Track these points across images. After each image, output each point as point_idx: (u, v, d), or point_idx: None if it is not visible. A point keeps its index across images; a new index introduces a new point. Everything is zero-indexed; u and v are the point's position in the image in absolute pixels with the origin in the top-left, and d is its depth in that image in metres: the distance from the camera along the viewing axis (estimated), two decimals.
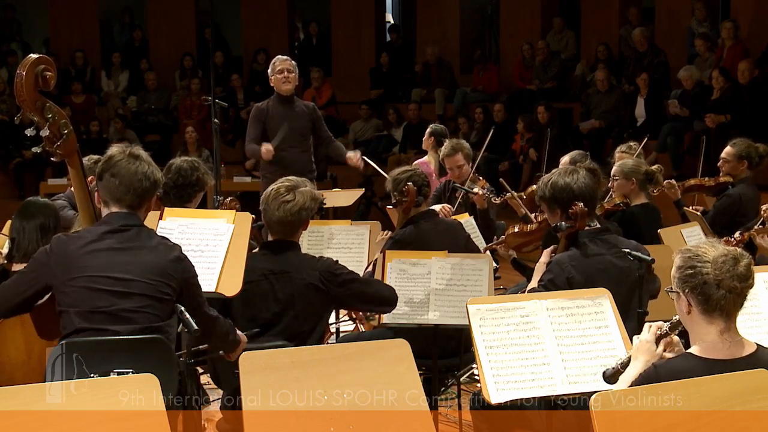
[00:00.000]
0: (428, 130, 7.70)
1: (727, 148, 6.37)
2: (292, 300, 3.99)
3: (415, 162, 7.58)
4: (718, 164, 6.42)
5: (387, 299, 4.12)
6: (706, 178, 6.46)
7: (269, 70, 7.36)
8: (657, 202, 5.94)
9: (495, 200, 6.38)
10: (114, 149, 3.51)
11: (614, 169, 5.77)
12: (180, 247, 3.52)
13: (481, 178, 6.70)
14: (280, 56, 7.47)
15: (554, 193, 3.93)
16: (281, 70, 7.23)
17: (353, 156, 7.35)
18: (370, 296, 4.11)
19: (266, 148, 7.07)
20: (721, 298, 2.71)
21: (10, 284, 3.48)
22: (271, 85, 7.35)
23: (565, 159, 6.20)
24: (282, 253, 4.09)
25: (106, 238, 3.38)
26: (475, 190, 6.32)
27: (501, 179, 6.87)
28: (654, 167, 5.83)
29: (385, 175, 7.09)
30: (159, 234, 3.67)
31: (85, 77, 14.27)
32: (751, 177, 6.37)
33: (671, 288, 2.83)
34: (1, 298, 3.45)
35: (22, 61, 3.56)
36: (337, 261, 4.14)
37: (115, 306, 3.31)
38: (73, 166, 3.67)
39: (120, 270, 3.33)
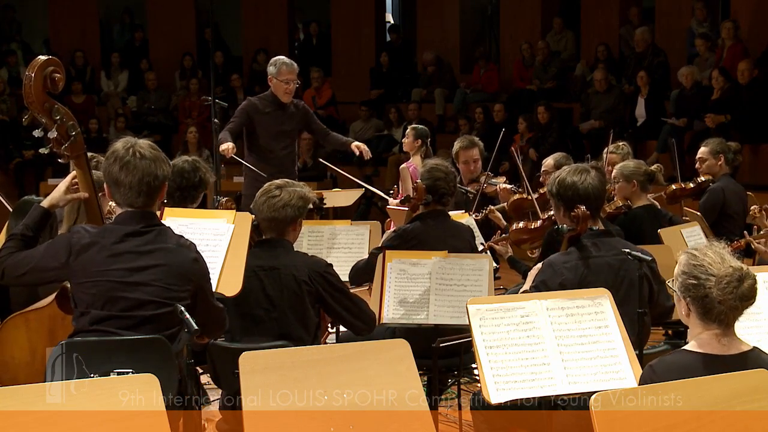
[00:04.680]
0: (411, 132, 7.45)
1: (701, 148, 6.39)
2: (282, 296, 3.99)
3: (402, 166, 7.54)
4: (696, 166, 6.42)
5: (369, 319, 4.09)
6: (686, 182, 6.45)
7: (273, 70, 7.05)
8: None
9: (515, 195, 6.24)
10: (118, 147, 3.43)
11: (614, 171, 5.77)
12: (195, 245, 3.51)
13: (494, 175, 6.66)
14: (285, 61, 7.09)
15: (560, 189, 3.93)
16: (287, 81, 7.00)
17: (360, 145, 7.18)
18: (352, 312, 4.08)
19: (227, 147, 6.73)
20: (721, 312, 2.74)
21: (32, 263, 3.42)
22: (270, 84, 7.11)
23: (548, 161, 6.18)
24: (272, 250, 4.09)
25: (127, 240, 3.36)
26: (502, 185, 6.27)
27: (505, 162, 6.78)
28: (654, 167, 5.82)
29: (351, 177, 7.11)
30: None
31: (85, 77, 14.27)
32: (729, 174, 6.37)
33: (671, 282, 2.85)
34: (18, 267, 3.43)
35: (31, 63, 3.57)
36: (330, 265, 4.12)
37: (129, 312, 3.31)
38: (80, 167, 3.67)
39: (139, 276, 3.32)
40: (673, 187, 6.40)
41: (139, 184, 3.37)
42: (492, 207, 6.13)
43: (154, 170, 3.39)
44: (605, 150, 6.57)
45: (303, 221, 4.23)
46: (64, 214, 4.21)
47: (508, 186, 6.25)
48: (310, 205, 4.23)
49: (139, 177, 3.37)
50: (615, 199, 5.74)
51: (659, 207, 5.78)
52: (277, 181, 4.23)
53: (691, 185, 6.37)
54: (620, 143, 6.65)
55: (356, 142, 7.32)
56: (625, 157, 6.40)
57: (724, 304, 2.71)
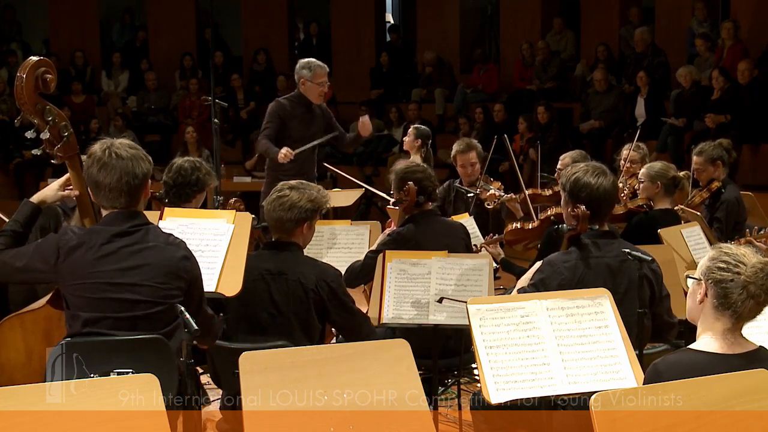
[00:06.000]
0: (413, 131, 7.41)
1: (695, 158, 6.32)
2: (287, 302, 3.98)
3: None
4: (695, 176, 6.40)
5: (366, 337, 4.06)
6: (700, 191, 6.44)
7: (307, 74, 6.95)
8: None
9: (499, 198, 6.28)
10: (95, 149, 3.40)
11: (642, 170, 5.77)
12: (185, 243, 3.49)
13: (492, 179, 6.69)
14: (319, 63, 7.03)
15: (573, 187, 3.92)
16: (322, 83, 6.95)
17: (362, 121, 7.09)
18: (352, 327, 4.10)
19: (285, 152, 6.72)
20: (740, 300, 2.73)
21: (22, 262, 3.40)
22: (301, 86, 7.00)
23: (565, 159, 6.21)
24: (281, 253, 4.08)
25: (115, 241, 3.34)
26: (491, 190, 6.30)
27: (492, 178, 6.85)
28: (682, 173, 5.78)
29: (351, 178, 7.07)
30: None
31: (85, 77, 14.27)
32: (728, 176, 6.39)
33: (691, 275, 2.85)
34: (6, 265, 3.42)
35: (23, 64, 3.55)
36: (340, 275, 4.14)
37: (122, 313, 3.30)
38: (74, 168, 3.66)
39: (129, 276, 3.31)
40: (696, 199, 6.36)
41: (118, 184, 3.34)
42: (513, 195, 6.16)
43: (133, 169, 3.36)
44: (626, 147, 6.62)
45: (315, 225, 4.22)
46: (74, 215, 4.20)
47: (497, 193, 6.28)
48: (322, 210, 4.22)
49: (117, 177, 3.34)
50: (639, 196, 5.76)
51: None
52: (291, 182, 4.21)
53: (707, 194, 6.33)
54: (639, 144, 6.67)
55: (361, 123, 7.15)
56: (644, 156, 6.40)
57: (748, 291, 2.70)
